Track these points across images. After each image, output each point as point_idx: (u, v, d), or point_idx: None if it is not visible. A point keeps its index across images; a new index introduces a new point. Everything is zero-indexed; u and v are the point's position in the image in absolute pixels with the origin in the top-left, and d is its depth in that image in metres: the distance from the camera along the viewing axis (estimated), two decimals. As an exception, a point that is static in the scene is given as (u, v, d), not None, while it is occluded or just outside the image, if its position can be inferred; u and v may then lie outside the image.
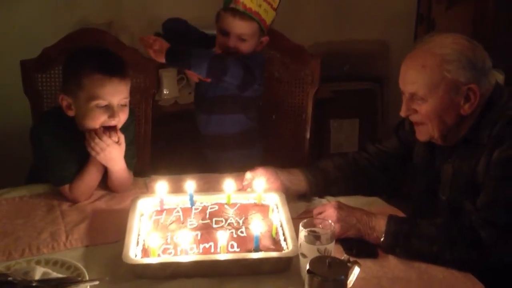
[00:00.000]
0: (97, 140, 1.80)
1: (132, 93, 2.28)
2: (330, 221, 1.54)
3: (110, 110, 1.80)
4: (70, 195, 1.88)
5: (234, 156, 2.29)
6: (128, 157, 1.92)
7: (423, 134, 1.73)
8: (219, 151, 2.34)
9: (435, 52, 1.63)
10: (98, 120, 1.81)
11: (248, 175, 1.88)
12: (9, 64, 2.39)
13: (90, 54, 1.85)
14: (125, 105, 1.85)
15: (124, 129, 1.88)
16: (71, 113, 1.84)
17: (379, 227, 1.62)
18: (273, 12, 2.16)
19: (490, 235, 1.53)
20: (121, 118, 1.84)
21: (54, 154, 1.87)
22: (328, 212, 1.67)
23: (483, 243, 1.53)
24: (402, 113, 1.73)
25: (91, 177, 1.89)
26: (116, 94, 1.80)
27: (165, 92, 2.91)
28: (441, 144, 1.72)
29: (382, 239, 1.61)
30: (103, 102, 1.79)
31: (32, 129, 1.92)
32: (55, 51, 2.27)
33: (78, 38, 2.31)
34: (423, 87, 1.63)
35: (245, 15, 2.09)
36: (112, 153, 1.85)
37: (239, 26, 2.11)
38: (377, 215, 1.65)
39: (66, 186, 1.88)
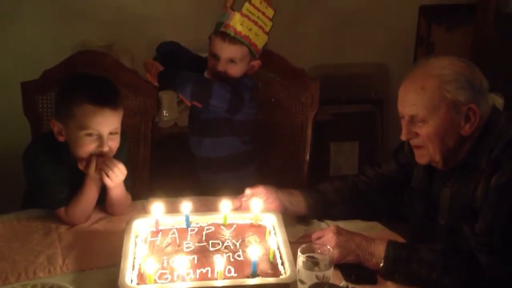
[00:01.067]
0: (116, 169, 1.81)
1: (131, 115, 2.32)
2: (328, 247, 1.53)
3: (99, 139, 1.80)
4: (66, 218, 1.87)
5: (227, 178, 2.28)
6: (124, 179, 1.91)
7: (423, 157, 1.72)
8: (211, 173, 2.33)
9: (433, 73, 1.64)
10: (88, 148, 1.81)
11: (248, 191, 1.87)
12: (10, 85, 2.40)
13: (83, 83, 1.86)
14: (116, 134, 1.85)
15: (117, 152, 1.88)
16: (61, 138, 1.85)
17: (378, 252, 1.61)
18: (265, 35, 2.16)
19: (488, 260, 1.52)
20: (112, 147, 1.84)
21: (47, 177, 1.86)
22: (327, 237, 1.66)
23: (482, 269, 1.52)
24: (403, 137, 1.72)
25: (87, 199, 1.88)
26: (107, 125, 1.80)
27: (165, 113, 2.91)
28: (441, 167, 1.72)
29: (381, 265, 1.60)
30: (93, 132, 1.79)
31: (25, 152, 1.91)
32: (56, 73, 2.28)
33: (79, 60, 2.33)
34: (423, 108, 1.63)
35: (235, 39, 2.10)
36: (120, 177, 1.85)
37: (229, 50, 2.12)
38: (376, 241, 1.64)
39: (62, 209, 1.87)
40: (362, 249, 1.63)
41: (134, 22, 3.11)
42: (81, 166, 1.83)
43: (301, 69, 2.53)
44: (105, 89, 1.85)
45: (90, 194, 1.88)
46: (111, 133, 1.82)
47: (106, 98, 1.81)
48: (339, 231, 1.67)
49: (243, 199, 1.87)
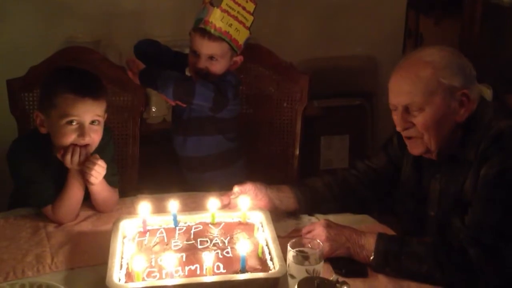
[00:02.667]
0: (97, 166, 1.79)
1: (119, 112, 2.30)
2: (318, 241, 1.53)
3: (80, 128, 1.79)
4: (53, 216, 1.85)
5: (213, 177, 2.25)
6: (109, 175, 1.90)
7: (417, 147, 1.71)
8: (198, 172, 2.30)
9: (426, 60, 1.65)
10: (69, 137, 1.79)
11: (236, 188, 1.86)
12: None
13: (66, 74, 1.87)
14: (98, 125, 1.84)
15: (102, 148, 1.88)
16: (43, 130, 1.84)
17: (368, 245, 1.61)
18: (246, 30, 2.13)
19: (478, 254, 1.52)
20: (94, 138, 1.82)
21: (33, 175, 1.85)
22: (317, 231, 1.65)
23: (473, 264, 1.52)
24: (399, 128, 1.71)
25: (72, 197, 1.86)
26: (87, 113, 1.79)
27: (153, 110, 2.89)
28: (435, 157, 1.71)
29: (371, 258, 1.60)
30: (73, 119, 1.78)
31: (9, 150, 1.90)
32: (42, 70, 2.25)
33: (65, 57, 2.30)
34: (420, 95, 1.63)
35: (215, 35, 2.07)
36: (101, 174, 1.84)
37: (209, 47, 2.09)
38: (366, 234, 1.64)
39: (49, 208, 1.85)
40: (352, 242, 1.63)
41: (122, 17, 3.08)
42: (59, 156, 1.81)
43: (289, 63, 2.52)
44: (88, 80, 1.85)
45: (74, 191, 1.86)
46: (92, 123, 1.81)
47: (87, 88, 1.80)
48: (329, 225, 1.66)
49: (231, 196, 1.86)
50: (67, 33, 2.96)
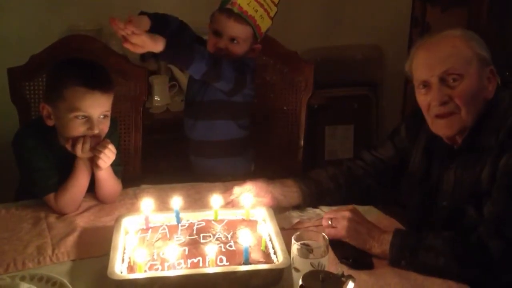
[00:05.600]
0: (107, 150, 1.78)
1: (122, 101, 2.28)
2: (323, 234, 1.49)
3: (89, 122, 1.78)
4: (56, 206, 1.83)
5: (220, 164, 2.22)
6: (113, 165, 1.88)
7: (452, 126, 1.64)
8: (205, 158, 2.27)
9: (455, 34, 1.65)
10: (77, 131, 1.78)
11: (236, 189, 1.83)
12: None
13: (74, 66, 1.84)
14: (107, 117, 1.83)
15: (107, 138, 1.85)
16: (50, 122, 1.83)
17: (386, 241, 1.58)
18: (269, 20, 2.11)
19: (499, 247, 1.48)
20: (103, 129, 1.82)
21: (36, 163, 1.83)
22: (343, 213, 1.65)
23: (493, 257, 1.48)
24: (438, 101, 1.62)
25: (77, 185, 1.84)
26: (97, 107, 1.78)
27: (156, 99, 2.87)
28: (460, 142, 1.67)
29: (388, 252, 1.57)
30: (82, 114, 1.77)
31: (14, 138, 1.88)
32: (43, 58, 2.22)
33: (67, 45, 2.27)
34: (460, 60, 1.60)
35: (241, 17, 2.05)
36: (111, 158, 1.83)
37: (233, 28, 2.07)
38: (387, 231, 1.61)
39: (51, 196, 1.83)
40: (372, 236, 1.60)
41: (124, 4, 3.03)
42: (68, 146, 1.80)
43: (294, 52, 2.50)
44: (97, 73, 1.83)
45: (80, 179, 1.84)
46: (101, 116, 1.80)
47: (97, 81, 1.79)
48: (355, 212, 1.65)
49: (231, 197, 1.82)
50: (69, 21, 2.93)
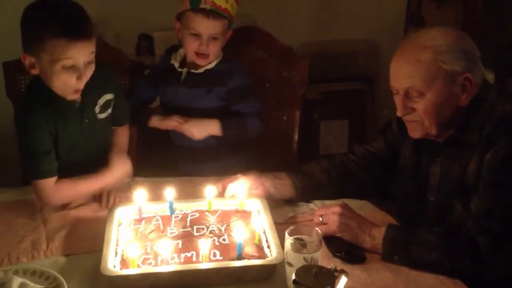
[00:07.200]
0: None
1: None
2: (317, 228, 1.51)
3: (77, 71, 1.68)
4: (51, 193, 1.75)
5: (210, 170, 2.11)
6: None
7: (417, 131, 1.69)
8: (194, 163, 2.22)
9: (427, 45, 1.61)
10: (67, 84, 1.70)
11: (230, 187, 1.81)
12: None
13: (52, 14, 1.67)
14: (92, 62, 1.73)
15: (105, 80, 1.86)
16: (34, 71, 1.72)
17: (378, 235, 1.60)
18: (236, 5, 2.11)
19: (487, 243, 1.50)
20: (88, 75, 1.73)
21: (36, 142, 1.74)
22: (332, 209, 1.66)
23: (481, 253, 1.50)
24: (399, 113, 1.68)
25: (85, 194, 1.84)
26: (82, 55, 1.67)
27: (151, 93, 2.85)
28: (435, 139, 1.69)
29: (379, 246, 1.58)
30: (69, 63, 1.66)
31: (17, 113, 1.81)
32: (38, 52, 2.21)
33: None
34: (420, 80, 1.60)
35: (217, 14, 2.04)
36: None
37: (213, 26, 2.06)
38: (378, 225, 1.63)
39: (48, 181, 1.74)
40: (363, 230, 1.61)
41: (119, -1, 3.04)
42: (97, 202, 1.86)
43: (289, 46, 2.49)
44: (77, 18, 1.68)
45: (92, 191, 1.85)
46: (87, 62, 1.71)
47: (79, 29, 1.66)
48: (346, 207, 1.67)
49: (225, 195, 1.80)
50: (64, 14, 2.91)
